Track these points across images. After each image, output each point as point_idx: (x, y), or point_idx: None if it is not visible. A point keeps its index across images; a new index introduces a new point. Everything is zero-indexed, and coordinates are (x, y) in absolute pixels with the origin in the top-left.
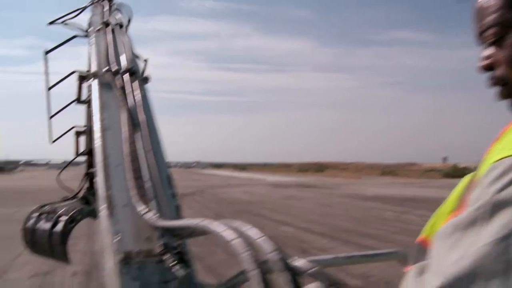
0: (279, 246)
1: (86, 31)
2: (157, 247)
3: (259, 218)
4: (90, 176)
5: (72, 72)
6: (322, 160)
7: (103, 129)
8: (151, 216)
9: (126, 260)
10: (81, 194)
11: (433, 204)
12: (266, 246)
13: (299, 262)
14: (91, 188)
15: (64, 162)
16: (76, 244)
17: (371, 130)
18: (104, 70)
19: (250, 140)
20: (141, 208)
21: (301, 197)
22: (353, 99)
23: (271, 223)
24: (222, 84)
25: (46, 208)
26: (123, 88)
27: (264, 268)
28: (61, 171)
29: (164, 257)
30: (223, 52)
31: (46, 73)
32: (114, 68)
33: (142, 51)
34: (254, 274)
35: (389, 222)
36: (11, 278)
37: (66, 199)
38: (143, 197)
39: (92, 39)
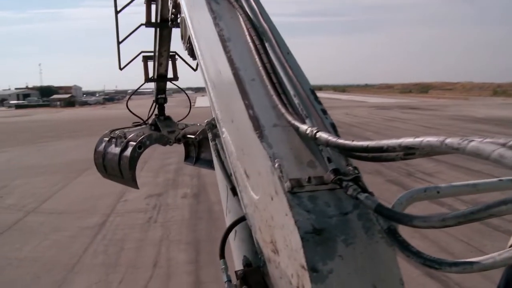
0: None
1: None
2: (328, 173)
3: None
4: (159, 102)
5: None
6: (426, 80)
7: (223, 41)
8: (321, 135)
9: (294, 190)
10: (150, 121)
11: None
12: None
13: None
14: (161, 114)
15: (169, 90)
16: (184, 167)
17: (481, 46)
18: None
19: (350, 61)
20: (300, 127)
21: (405, 119)
22: (464, 11)
23: None
24: (319, 3)
25: (117, 132)
26: None
27: None
28: (129, 98)
29: (341, 185)
30: None
31: (117, 23)
32: None
33: None
34: None
35: None
36: (130, 198)
37: (136, 125)
38: (295, 115)
39: None
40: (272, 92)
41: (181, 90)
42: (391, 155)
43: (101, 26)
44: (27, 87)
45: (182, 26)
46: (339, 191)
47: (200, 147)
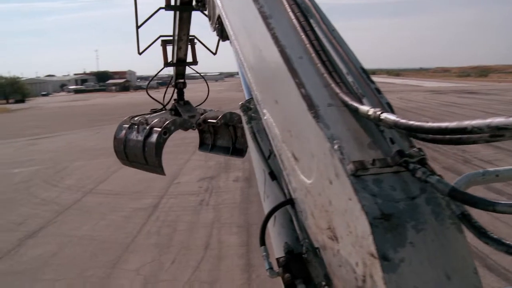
0: None
1: None
2: (392, 155)
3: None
4: (179, 87)
5: None
6: (485, 63)
7: (265, 17)
8: (387, 116)
9: (358, 173)
10: (169, 106)
11: None
12: None
13: None
14: (180, 99)
15: (221, 74)
16: None
17: None
18: None
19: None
20: (361, 108)
21: (462, 104)
22: None
23: None
24: None
25: (137, 119)
26: None
27: None
28: (148, 83)
29: (407, 167)
30: None
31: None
32: None
33: None
34: None
35: None
36: (183, 181)
37: (155, 111)
38: (351, 95)
39: None
40: (323, 70)
41: (199, 74)
42: (473, 137)
43: (153, 11)
44: (84, 73)
45: (210, 6)
46: (404, 173)
47: (216, 133)
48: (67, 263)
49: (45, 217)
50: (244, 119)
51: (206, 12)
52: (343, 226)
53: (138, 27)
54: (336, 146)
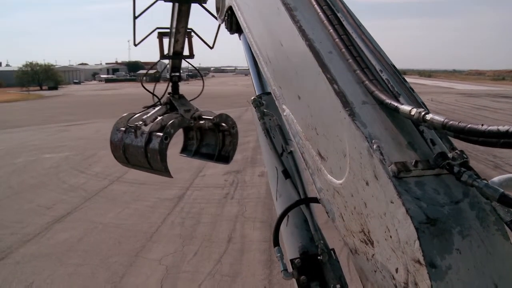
0: None
1: None
2: (434, 157)
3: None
4: (174, 80)
5: None
6: None
7: (290, 9)
8: (433, 118)
9: (400, 174)
10: (164, 99)
11: None
12: None
13: None
14: (175, 93)
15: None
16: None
17: None
18: None
19: (436, 45)
20: (402, 107)
21: (495, 109)
22: None
23: None
24: None
25: (132, 120)
26: None
27: None
28: (143, 77)
29: (451, 170)
30: None
31: None
32: None
33: None
34: None
35: None
36: (208, 174)
37: (148, 107)
38: (387, 93)
39: None
40: (355, 66)
41: (195, 69)
42: None
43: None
44: (116, 62)
45: None
46: (445, 176)
47: (202, 140)
48: (92, 249)
49: (73, 202)
50: (256, 114)
51: (205, 5)
52: (381, 230)
53: (135, 17)
54: (375, 146)
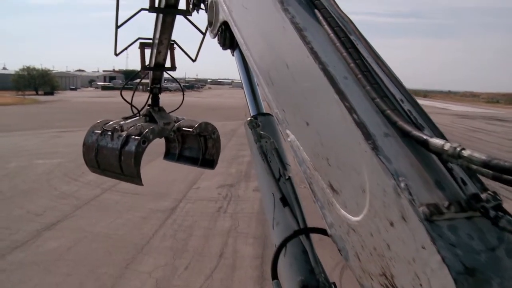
0: None
1: None
2: (466, 198)
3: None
4: (154, 92)
5: None
6: None
7: (299, 29)
8: (472, 154)
9: (433, 217)
10: (144, 111)
11: None
12: None
13: None
14: (155, 105)
15: None
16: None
17: None
18: None
19: (432, 66)
20: (432, 141)
21: (490, 131)
22: None
23: None
24: (409, 4)
25: (110, 125)
26: None
27: None
28: (122, 88)
29: (487, 214)
30: None
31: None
32: None
33: None
34: None
35: None
36: (202, 186)
37: (127, 117)
38: (412, 124)
39: None
40: (373, 94)
41: (176, 81)
42: None
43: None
44: (113, 70)
45: (212, 11)
46: (478, 219)
47: (183, 143)
48: (81, 259)
49: (63, 210)
50: (252, 137)
51: (190, 18)
52: (408, 277)
53: (117, 27)
54: (402, 185)
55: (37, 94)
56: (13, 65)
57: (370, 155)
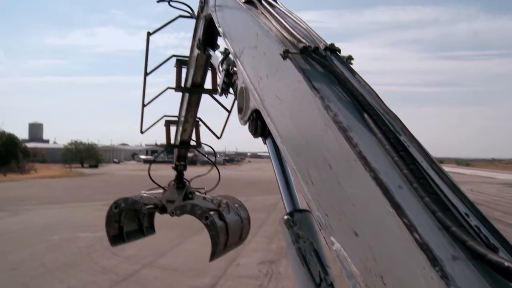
0: None
1: (192, 10)
2: None
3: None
4: (179, 169)
5: (171, 57)
6: None
7: (344, 130)
8: None
9: None
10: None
11: None
12: None
13: None
14: (179, 181)
15: None
16: None
17: None
18: (300, 47)
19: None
20: (509, 267)
21: None
22: None
23: (509, 228)
24: (443, 74)
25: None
26: (328, 68)
27: None
28: (150, 165)
29: None
30: (441, 39)
31: (146, 55)
32: (314, 44)
33: (358, 44)
34: None
35: None
36: (242, 263)
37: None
38: (484, 245)
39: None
40: (434, 207)
41: (206, 157)
42: None
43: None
44: (155, 144)
45: (242, 98)
46: None
47: (119, 222)
48: None
49: (102, 286)
50: (289, 237)
51: (217, 96)
52: None
53: (144, 105)
54: None
55: (82, 166)
56: (63, 140)
57: (438, 283)
